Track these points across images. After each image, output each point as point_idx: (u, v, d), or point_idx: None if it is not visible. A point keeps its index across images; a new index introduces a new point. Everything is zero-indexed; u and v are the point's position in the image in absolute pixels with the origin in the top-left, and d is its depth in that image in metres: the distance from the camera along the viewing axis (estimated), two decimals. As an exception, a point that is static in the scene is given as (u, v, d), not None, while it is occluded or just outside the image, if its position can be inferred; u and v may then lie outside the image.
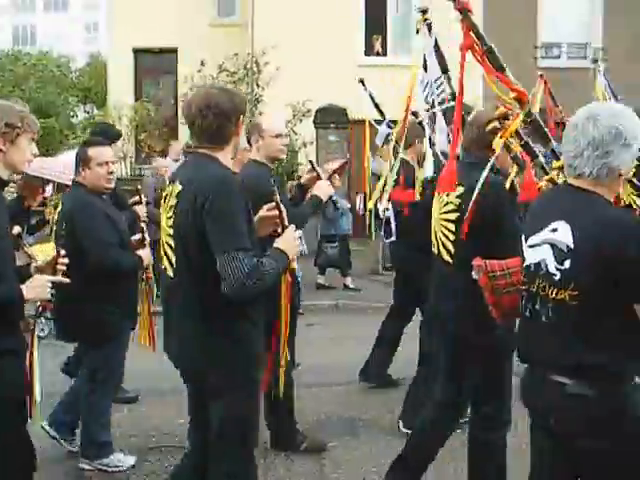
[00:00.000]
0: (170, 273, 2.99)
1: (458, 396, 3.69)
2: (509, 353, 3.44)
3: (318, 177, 4.29)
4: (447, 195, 3.48)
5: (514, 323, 3.11)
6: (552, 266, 2.54)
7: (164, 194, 3.07)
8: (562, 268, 2.50)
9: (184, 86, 13.86)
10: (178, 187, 2.93)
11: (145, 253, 4.43)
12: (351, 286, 10.35)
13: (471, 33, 3.00)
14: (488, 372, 3.55)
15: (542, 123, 3.12)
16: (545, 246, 2.58)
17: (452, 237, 3.47)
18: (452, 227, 3.46)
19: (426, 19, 4.44)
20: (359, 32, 15.93)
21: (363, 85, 6.24)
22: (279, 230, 3.06)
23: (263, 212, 3.16)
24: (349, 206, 10.52)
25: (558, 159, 3.05)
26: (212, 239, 2.77)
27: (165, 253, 3.02)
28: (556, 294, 2.52)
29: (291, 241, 3.02)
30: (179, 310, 2.99)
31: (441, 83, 4.44)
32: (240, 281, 2.70)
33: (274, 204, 3.10)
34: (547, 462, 2.67)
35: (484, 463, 3.64)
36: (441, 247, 3.56)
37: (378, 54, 16.22)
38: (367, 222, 6.26)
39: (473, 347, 3.51)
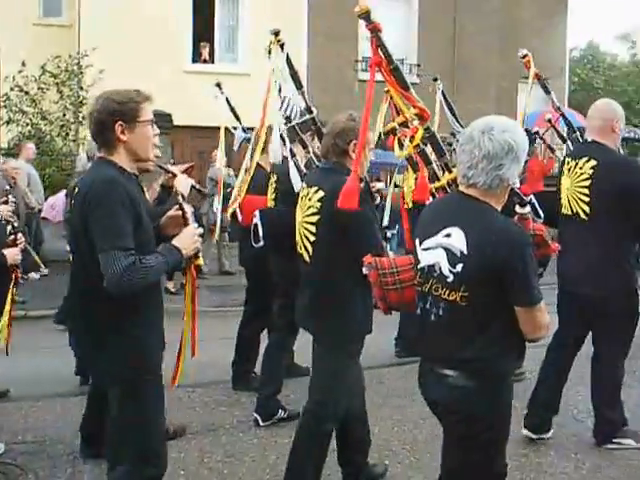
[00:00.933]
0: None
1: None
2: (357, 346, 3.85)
3: (174, 175, 4.37)
4: (309, 199, 3.78)
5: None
6: (445, 269, 2.75)
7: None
8: (455, 271, 2.72)
9: (5, 86, 13.35)
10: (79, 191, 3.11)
11: (10, 252, 4.47)
12: (172, 290, 9.51)
13: (380, 51, 3.26)
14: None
15: (438, 138, 3.47)
16: (439, 250, 2.79)
17: (312, 238, 3.74)
18: (313, 229, 3.73)
19: (279, 40, 4.80)
20: (187, 39, 16.04)
21: (220, 89, 6.44)
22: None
23: (170, 212, 3.37)
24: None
25: (450, 171, 3.38)
26: (95, 238, 2.92)
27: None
28: (448, 295, 2.76)
29: (188, 238, 3.17)
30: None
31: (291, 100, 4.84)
32: (116, 277, 2.86)
33: (178, 205, 3.33)
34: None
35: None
36: (302, 248, 3.86)
37: (205, 61, 16.43)
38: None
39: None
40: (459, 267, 2.72)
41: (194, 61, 16.25)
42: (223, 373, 6.01)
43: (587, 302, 4.57)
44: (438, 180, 3.55)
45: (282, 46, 4.79)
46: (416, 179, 3.97)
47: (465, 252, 2.71)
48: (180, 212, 3.33)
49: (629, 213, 4.40)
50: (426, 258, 2.86)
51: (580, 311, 4.68)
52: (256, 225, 4.67)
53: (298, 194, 4.05)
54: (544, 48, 16.39)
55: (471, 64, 17.71)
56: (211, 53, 16.61)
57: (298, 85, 4.81)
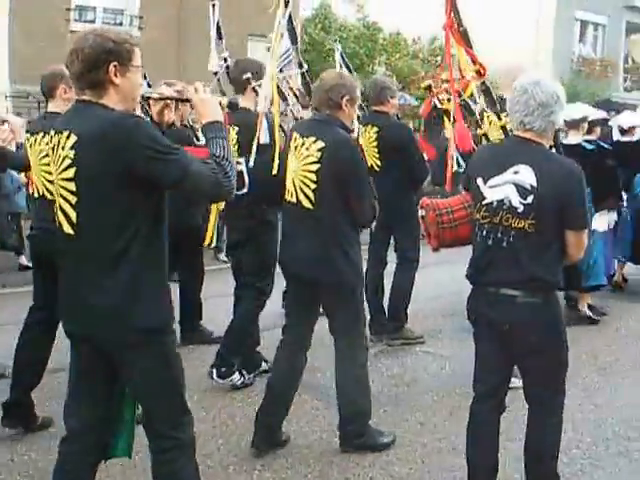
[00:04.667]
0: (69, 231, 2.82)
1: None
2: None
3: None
4: (307, 149, 3.98)
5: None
6: (516, 201, 3.20)
7: (43, 147, 3.06)
8: (525, 202, 3.18)
9: None
10: (72, 138, 2.72)
11: None
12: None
13: (452, 15, 3.80)
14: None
15: (492, 90, 4.09)
16: (508, 185, 3.23)
17: (313, 186, 3.95)
18: (313, 177, 3.95)
19: (285, -4, 4.89)
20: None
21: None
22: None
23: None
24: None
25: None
26: (157, 173, 2.66)
27: (61, 209, 2.82)
28: (518, 223, 3.20)
29: (211, 104, 2.91)
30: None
31: (290, 53, 4.95)
32: (218, 183, 2.72)
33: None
34: (490, 357, 3.42)
35: None
36: (300, 194, 4.03)
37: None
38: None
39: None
40: (530, 199, 3.17)
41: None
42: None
43: None
44: (480, 128, 4.16)
45: (286, 2, 4.87)
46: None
47: (535, 185, 3.17)
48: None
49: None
50: (493, 194, 3.28)
51: None
52: (241, 172, 4.68)
53: (271, 145, 4.50)
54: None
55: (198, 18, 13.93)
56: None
57: (294, 40, 4.98)
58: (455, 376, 5.43)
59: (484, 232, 3.32)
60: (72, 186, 2.74)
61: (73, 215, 2.76)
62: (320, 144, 3.94)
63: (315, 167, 3.95)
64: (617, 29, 27.16)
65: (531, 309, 3.23)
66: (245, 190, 4.67)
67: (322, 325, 4.22)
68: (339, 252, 3.97)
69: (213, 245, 5.99)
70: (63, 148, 2.73)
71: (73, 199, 2.75)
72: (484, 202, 3.33)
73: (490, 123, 4.80)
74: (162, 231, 2.84)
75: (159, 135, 2.71)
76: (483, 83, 3.92)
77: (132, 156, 2.62)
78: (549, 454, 3.39)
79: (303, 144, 4.01)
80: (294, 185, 4.07)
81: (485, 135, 4.56)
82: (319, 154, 3.94)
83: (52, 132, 2.84)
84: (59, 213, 2.83)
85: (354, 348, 4.13)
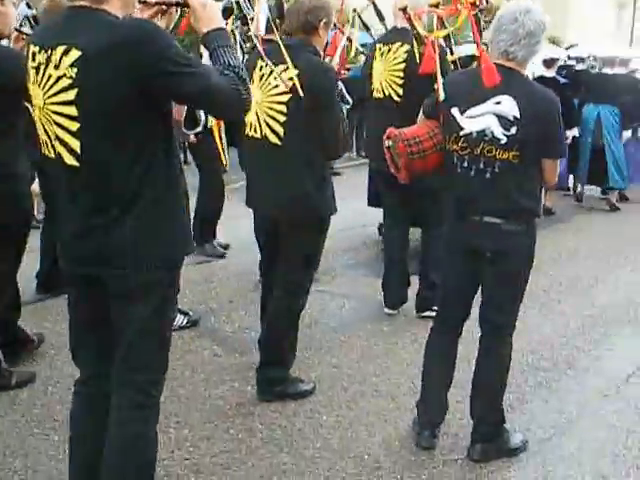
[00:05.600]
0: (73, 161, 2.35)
1: None
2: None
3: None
4: (275, 79, 3.61)
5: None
6: (499, 132, 3.14)
7: (34, 64, 2.33)
8: (508, 134, 3.13)
9: None
10: (74, 53, 2.20)
11: None
12: None
13: None
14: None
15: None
16: (488, 116, 3.16)
17: (282, 118, 3.64)
18: (282, 108, 3.63)
19: None
20: None
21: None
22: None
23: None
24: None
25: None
26: (179, 88, 2.26)
27: (58, 138, 2.33)
28: (502, 154, 3.15)
29: (213, 9, 2.43)
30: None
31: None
32: (236, 96, 2.33)
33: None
34: (461, 287, 3.44)
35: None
36: (266, 129, 3.68)
37: None
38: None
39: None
40: (513, 130, 3.12)
41: None
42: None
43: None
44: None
45: None
46: (422, 54, 3.89)
47: (518, 116, 3.11)
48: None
49: None
50: (472, 125, 3.20)
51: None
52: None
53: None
54: None
55: None
56: None
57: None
58: (357, 314, 5.31)
59: (465, 163, 3.25)
60: (72, 110, 2.25)
61: (76, 144, 2.30)
62: (292, 72, 3.55)
63: (286, 98, 3.60)
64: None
65: (515, 236, 3.26)
66: (200, 129, 4.33)
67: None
68: (313, 187, 3.69)
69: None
70: (57, 67, 2.23)
71: (74, 126, 2.28)
72: (462, 133, 3.24)
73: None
74: (174, 149, 2.47)
75: (176, 43, 2.28)
76: (475, 14, 3.72)
77: (151, 72, 2.20)
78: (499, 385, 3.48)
79: (271, 73, 3.63)
80: (258, 118, 3.70)
81: (455, 62, 4.28)
82: (290, 82, 3.56)
83: (35, 48, 2.31)
84: (56, 143, 2.34)
85: (299, 286, 3.93)
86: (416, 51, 4.27)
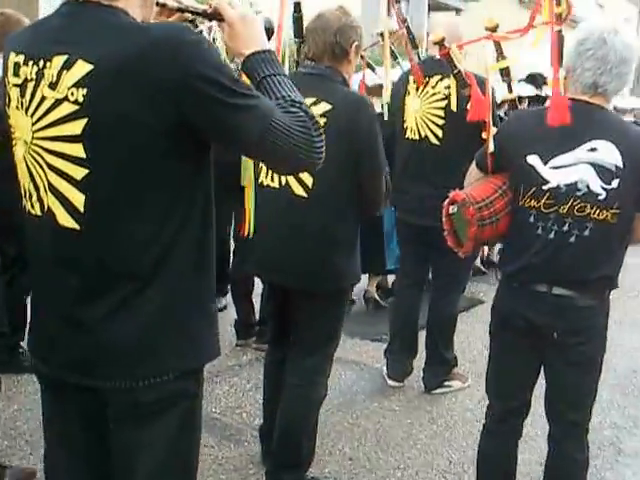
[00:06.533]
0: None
1: None
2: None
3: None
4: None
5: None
6: (596, 186, 2.53)
7: (17, 81, 1.66)
8: (609, 188, 2.53)
9: None
10: (81, 66, 1.56)
11: None
12: None
13: None
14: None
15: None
16: (582, 165, 2.55)
17: None
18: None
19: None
20: None
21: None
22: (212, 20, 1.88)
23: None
24: None
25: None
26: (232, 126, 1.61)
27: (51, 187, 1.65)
28: (598, 214, 2.55)
29: (255, 25, 1.78)
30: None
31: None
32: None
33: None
34: (523, 369, 2.82)
35: None
36: (290, 176, 2.98)
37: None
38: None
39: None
40: (615, 183, 2.54)
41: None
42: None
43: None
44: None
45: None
46: (468, 96, 3.23)
47: (621, 166, 2.53)
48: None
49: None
50: (561, 176, 2.59)
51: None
52: None
53: None
54: None
55: None
56: None
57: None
58: (359, 386, 4.68)
59: (545, 223, 2.64)
60: (78, 150, 1.57)
61: (79, 199, 1.61)
62: (324, 107, 2.92)
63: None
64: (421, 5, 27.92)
65: (589, 313, 2.67)
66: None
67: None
68: (340, 253, 3.02)
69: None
70: (53, 86, 1.57)
71: (79, 172, 1.59)
72: (546, 187, 2.62)
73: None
74: (212, 212, 1.77)
75: (226, 64, 1.62)
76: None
77: (191, 99, 1.55)
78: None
79: None
80: None
81: (513, 101, 3.38)
82: (322, 120, 2.83)
83: (18, 57, 1.64)
84: (47, 196, 1.64)
85: (319, 373, 3.22)
86: (452, 93, 3.66)
